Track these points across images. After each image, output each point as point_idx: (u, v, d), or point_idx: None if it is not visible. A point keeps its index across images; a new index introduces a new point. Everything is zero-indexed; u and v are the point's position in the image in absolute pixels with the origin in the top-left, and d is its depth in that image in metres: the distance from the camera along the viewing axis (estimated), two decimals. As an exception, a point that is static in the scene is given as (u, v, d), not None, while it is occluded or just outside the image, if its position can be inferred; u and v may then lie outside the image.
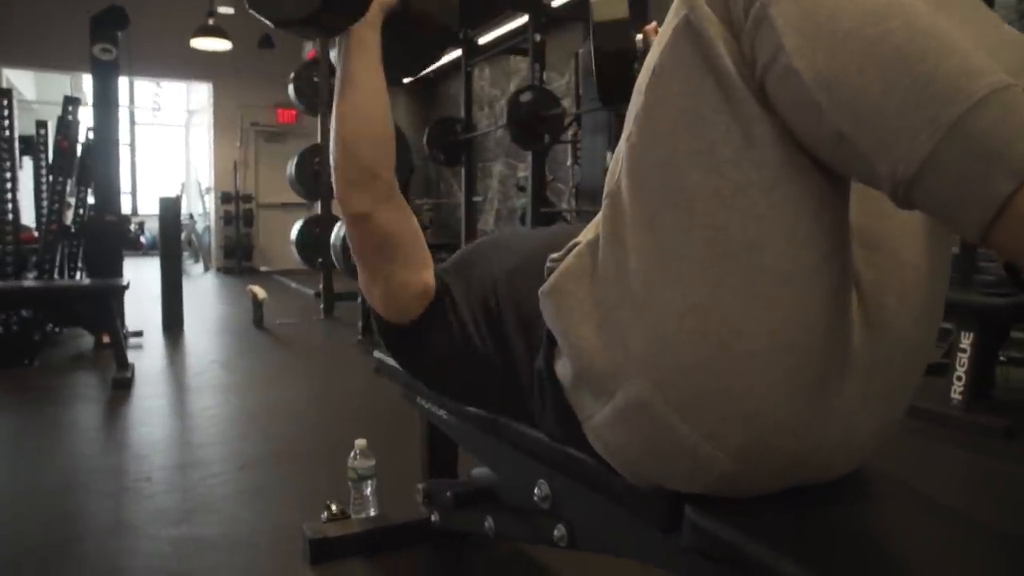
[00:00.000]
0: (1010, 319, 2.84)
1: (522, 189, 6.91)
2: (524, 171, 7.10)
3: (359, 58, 0.99)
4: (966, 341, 2.71)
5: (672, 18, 0.66)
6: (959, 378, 2.70)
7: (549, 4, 5.36)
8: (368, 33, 1.00)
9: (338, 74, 1.00)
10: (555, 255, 0.85)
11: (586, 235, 0.83)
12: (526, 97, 4.81)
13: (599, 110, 5.11)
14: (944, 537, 0.75)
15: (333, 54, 1.03)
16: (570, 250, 0.82)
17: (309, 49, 6.17)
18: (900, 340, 0.74)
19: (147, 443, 2.50)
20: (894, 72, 0.52)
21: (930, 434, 2.57)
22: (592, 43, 1.43)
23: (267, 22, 0.92)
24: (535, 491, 1.09)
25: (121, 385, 3.19)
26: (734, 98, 0.62)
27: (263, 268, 10.34)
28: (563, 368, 0.83)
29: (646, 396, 0.71)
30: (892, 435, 0.81)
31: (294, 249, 5.15)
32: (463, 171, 6.24)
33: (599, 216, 0.80)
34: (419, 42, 1.13)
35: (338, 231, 4.31)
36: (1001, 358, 3.13)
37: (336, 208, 1.05)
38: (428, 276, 1.05)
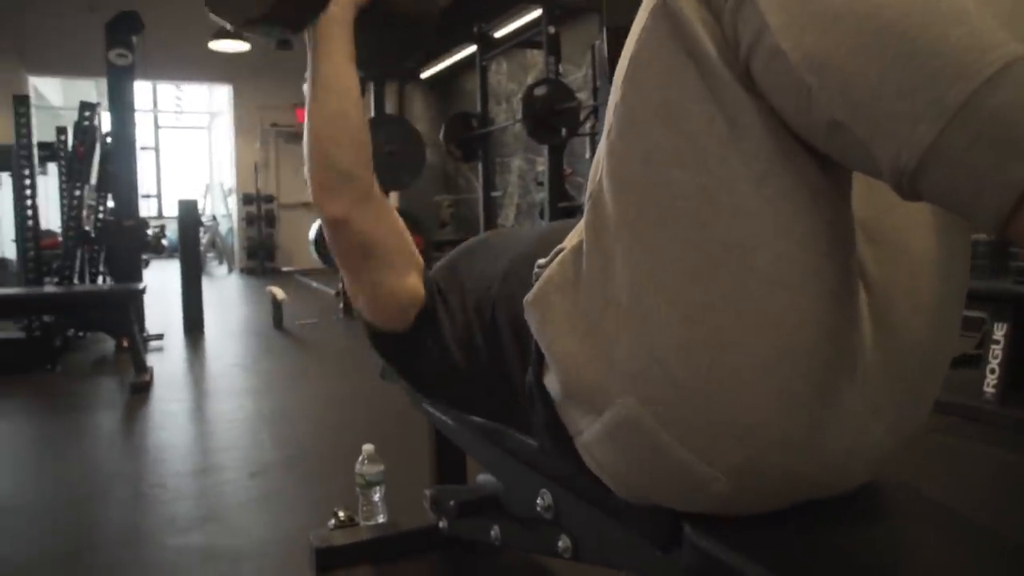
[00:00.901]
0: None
1: (541, 184, 6.85)
2: (542, 165, 7.05)
3: (327, 54, 0.95)
4: (1000, 332, 2.61)
5: (648, 1, 0.61)
6: (992, 371, 2.60)
7: (564, -5, 5.29)
8: (336, 28, 0.96)
9: (308, 72, 0.97)
10: (542, 260, 0.81)
11: (571, 240, 0.78)
12: (541, 91, 4.76)
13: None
14: (965, 557, 0.69)
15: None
16: (555, 256, 0.78)
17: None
18: (913, 343, 0.69)
19: (163, 448, 2.51)
20: (891, 48, 0.47)
21: (960, 431, 2.48)
22: (605, 49, 1.40)
23: (226, 24, 0.89)
24: (538, 501, 1.05)
25: (139, 389, 3.20)
26: (717, 85, 0.57)
27: (285, 268, 10.40)
28: (552, 382, 0.79)
29: (635, 413, 0.67)
30: (916, 436, 0.76)
31: (312, 248, 5.16)
32: (480, 166, 6.20)
33: (583, 220, 0.76)
34: (398, 35, 1.09)
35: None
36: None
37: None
38: (416, 282, 1.01)
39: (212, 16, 0.89)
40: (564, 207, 5.40)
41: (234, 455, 2.40)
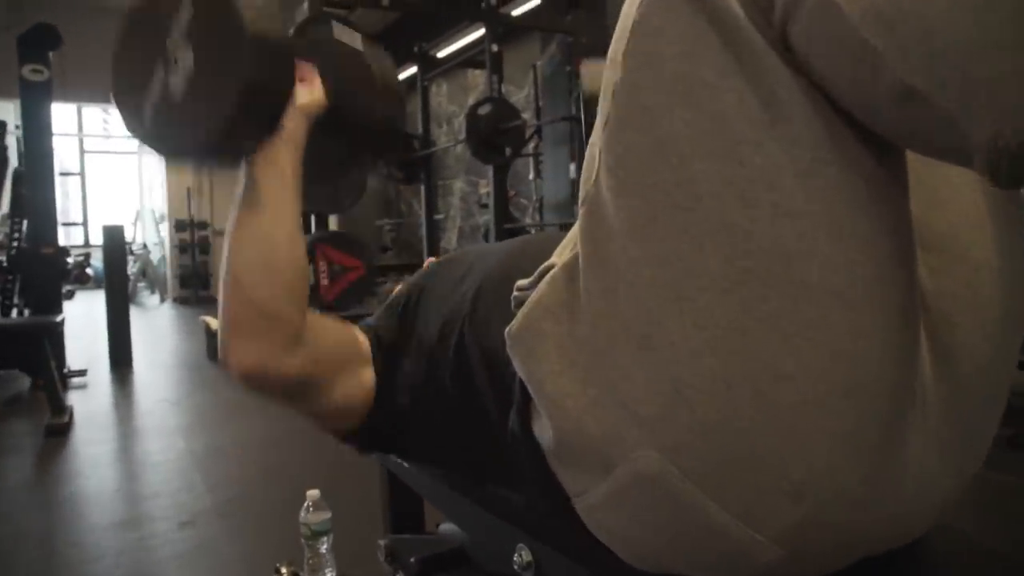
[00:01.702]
0: None
1: (484, 206, 6.75)
2: (485, 187, 6.94)
3: (267, 176, 0.77)
4: None
5: None
6: None
7: (508, 14, 5.22)
8: (281, 150, 0.78)
9: (239, 189, 0.77)
10: (523, 282, 0.66)
11: (561, 254, 0.65)
12: (485, 109, 4.65)
13: (560, 121, 4.98)
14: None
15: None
16: (541, 276, 0.64)
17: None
18: (976, 368, 0.57)
19: (81, 498, 2.25)
20: None
21: (1014, 467, 2.40)
22: (583, 116, 1.27)
23: (158, 156, 0.74)
24: (515, 558, 0.90)
25: (56, 432, 2.92)
26: (747, 54, 0.47)
27: (222, 296, 10.01)
28: (542, 430, 0.63)
29: (656, 469, 0.53)
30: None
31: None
32: (423, 189, 6.05)
33: (575, 229, 0.62)
34: (357, 146, 0.92)
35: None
36: None
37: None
38: (366, 373, 0.85)
39: (143, 145, 0.74)
40: (510, 228, 5.29)
41: (162, 503, 2.18)
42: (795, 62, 0.46)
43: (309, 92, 0.82)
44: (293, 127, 0.79)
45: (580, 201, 0.57)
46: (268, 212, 0.76)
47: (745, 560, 0.54)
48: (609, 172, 0.53)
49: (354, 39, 0.90)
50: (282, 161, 0.78)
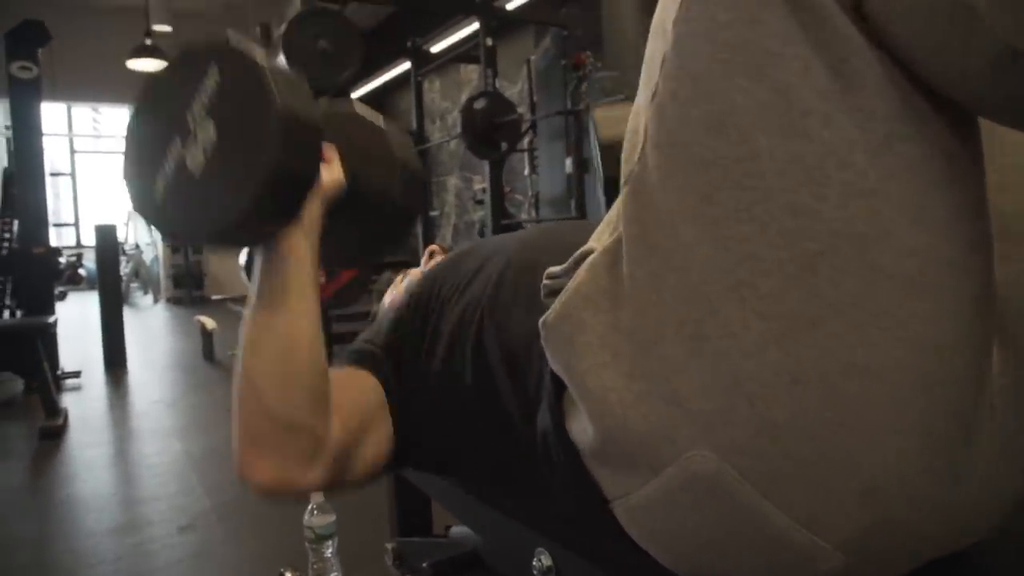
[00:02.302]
0: None
1: (479, 202, 6.70)
2: (480, 183, 6.89)
3: (286, 271, 0.70)
4: None
5: None
6: None
7: (502, 8, 5.17)
8: (302, 240, 0.71)
9: (253, 286, 0.71)
10: (555, 268, 0.61)
11: (600, 238, 0.60)
12: (480, 104, 4.60)
13: (556, 115, 4.93)
14: None
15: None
16: (578, 261, 0.59)
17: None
18: None
19: (76, 503, 2.19)
20: None
21: None
22: (599, 167, 1.22)
23: (167, 237, 0.68)
24: (534, 563, 0.86)
25: (50, 435, 2.86)
26: (814, 19, 0.43)
27: (215, 296, 9.93)
28: (580, 428, 0.59)
29: (711, 469, 0.48)
30: None
31: (243, 274, 4.85)
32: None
33: (615, 210, 0.58)
34: (372, 230, 0.86)
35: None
36: None
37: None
38: (385, 425, 0.78)
39: (157, 234, 0.67)
40: (506, 224, 5.25)
41: (160, 506, 2.13)
42: (868, 28, 0.42)
43: (329, 173, 0.76)
44: (313, 213, 0.72)
45: (623, 180, 0.53)
46: (287, 311, 0.69)
47: (803, 567, 0.50)
48: (658, 148, 0.49)
49: (375, 116, 0.85)
50: (301, 251, 0.71)
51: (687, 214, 0.48)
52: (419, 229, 5.97)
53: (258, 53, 0.65)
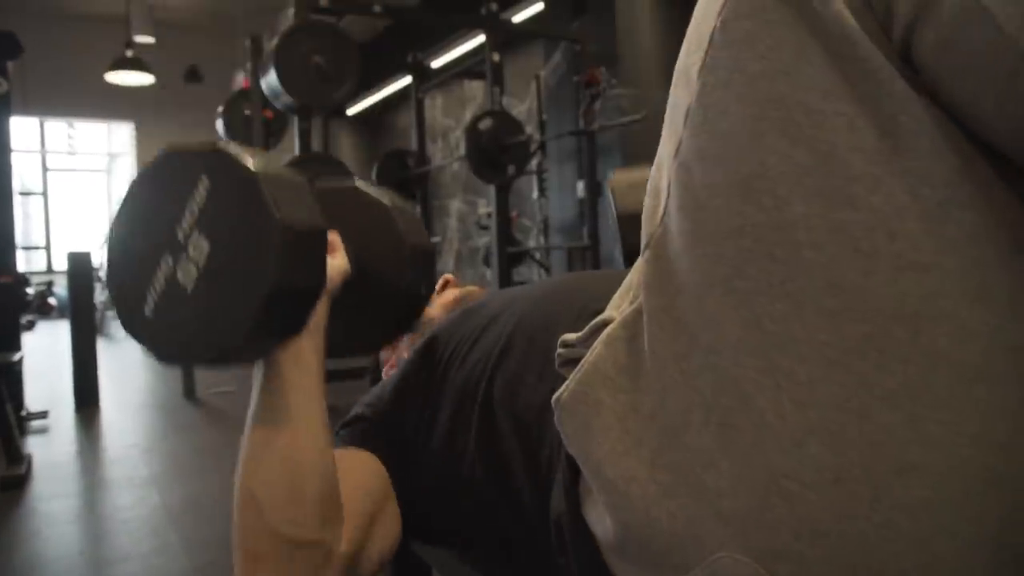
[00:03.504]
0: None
1: (484, 228, 6.70)
2: (484, 207, 6.90)
3: (290, 377, 0.68)
4: None
5: None
6: None
7: (509, 21, 5.21)
8: (308, 344, 0.69)
9: (256, 394, 0.69)
10: (571, 336, 0.59)
11: (618, 307, 0.58)
12: (486, 124, 4.60)
13: (567, 135, 4.94)
14: None
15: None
16: (595, 332, 0.57)
17: (242, 78, 5.90)
18: None
19: (37, 565, 2.14)
20: None
21: None
22: (619, 238, 1.21)
23: (158, 359, 0.67)
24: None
25: (11, 485, 2.81)
26: (860, 72, 0.41)
27: (196, 325, 9.92)
28: (598, 517, 0.56)
29: (744, 574, 0.46)
30: None
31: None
32: (418, 210, 6.00)
33: (635, 273, 0.56)
34: (381, 313, 0.85)
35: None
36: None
37: None
38: (391, 507, 0.76)
39: (142, 348, 0.67)
40: (512, 252, 5.23)
41: (132, 568, 2.07)
42: (919, 82, 0.41)
43: (332, 261, 0.75)
44: (318, 314, 0.71)
45: (644, 243, 0.51)
46: (294, 423, 0.66)
47: None
48: (682, 212, 0.47)
49: (380, 192, 0.84)
50: (306, 355, 0.69)
51: (715, 288, 0.46)
52: (418, 256, 5.96)
53: (251, 159, 0.63)
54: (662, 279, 0.50)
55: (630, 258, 1.14)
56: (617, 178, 1.21)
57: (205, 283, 0.62)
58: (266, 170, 0.63)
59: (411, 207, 0.87)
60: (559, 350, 0.60)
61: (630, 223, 1.16)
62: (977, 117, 0.40)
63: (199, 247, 0.63)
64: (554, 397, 0.56)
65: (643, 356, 0.51)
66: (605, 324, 0.56)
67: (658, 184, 0.50)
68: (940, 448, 0.41)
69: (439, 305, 1.05)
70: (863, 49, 0.41)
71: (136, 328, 0.65)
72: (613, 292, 0.63)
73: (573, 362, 0.57)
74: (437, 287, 1.11)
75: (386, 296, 0.83)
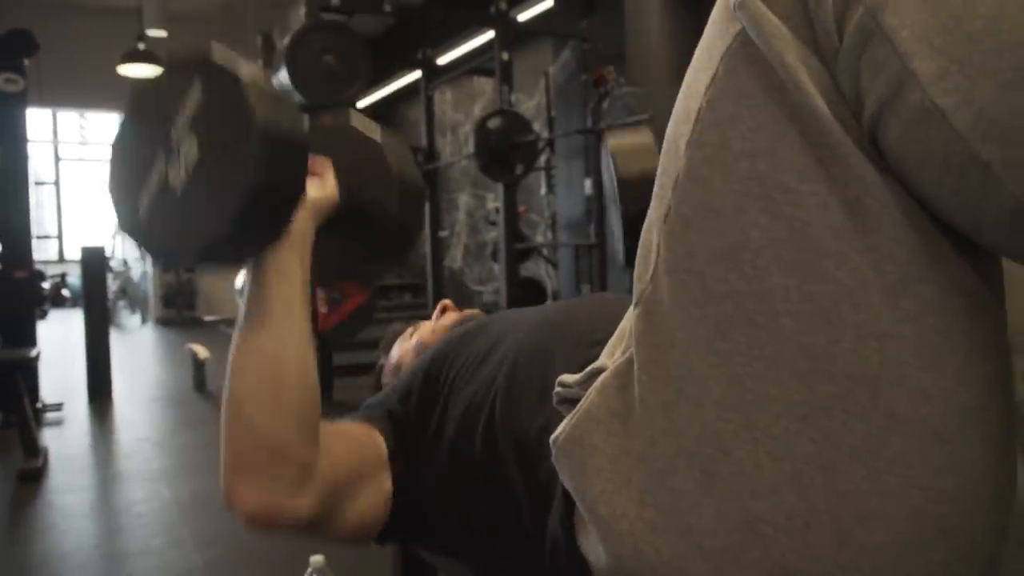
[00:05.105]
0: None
1: (492, 223, 6.73)
2: (493, 202, 6.93)
3: (272, 286, 0.73)
4: None
5: (718, 35, 0.49)
6: None
7: (515, 19, 5.22)
8: (289, 255, 0.74)
9: (243, 303, 0.74)
10: (568, 377, 0.65)
11: (611, 355, 0.63)
12: (494, 123, 4.63)
13: (574, 134, 4.97)
14: None
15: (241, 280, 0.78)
16: (591, 377, 0.62)
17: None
18: None
19: (54, 557, 2.21)
20: None
21: None
22: (618, 202, 1.25)
23: (151, 256, 0.72)
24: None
25: (29, 477, 2.89)
26: (831, 155, 0.45)
27: (208, 317, 9.97)
28: (592, 547, 0.61)
29: None
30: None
31: (237, 298, 4.89)
32: (427, 205, 6.04)
33: (627, 323, 0.62)
34: (369, 247, 0.90)
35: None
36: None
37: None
38: (384, 479, 0.80)
39: (137, 248, 0.73)
40: (520, 248, 5.27)
41: (147, 562, 2.14)
42: (885, 165, 0.45)
43: (321, 187, 0.80)
44: (302, 228, 0.76)
45: (635, 299, 0.56)
46: (274, 329, 0.72)
47: None
48: (671, 273, 0.52)
49: (372, 129, 0.88)
50: (289, 268, 0.74)
51: (700, 347, 0.51)
52: (427, 250, 6.01)
53: (242, 66, 0.68)
54: (652, 335, 0.54)
55: (628, 220, 1.17)
56: (616, 142, 1.24)
57: (192, 184, 0.67)
58: (255, 79, 0.67)
59: (402, 139, 0.91)
60: (557, 388, 0.65)
61: (630, 189, 1.20)
62: (936, 200, 0.44)
63: (189, 148, 0.68)
64: (552, 437, 0.61)
65: (633, 403, 0.56)
66: (599, 372, 0.61)
67: (649, 242, 0.55)
68: (897, 499, 0.46)
69: (438, 329, 1.09)
70: (834, 136, 0.45)
71: (131, 227, 0.71)
72: (608, 324, 0.69)
73: (570, 401, 0.63)
74: (435, 313, 1.14)
75: (376, 224, 0.87)
